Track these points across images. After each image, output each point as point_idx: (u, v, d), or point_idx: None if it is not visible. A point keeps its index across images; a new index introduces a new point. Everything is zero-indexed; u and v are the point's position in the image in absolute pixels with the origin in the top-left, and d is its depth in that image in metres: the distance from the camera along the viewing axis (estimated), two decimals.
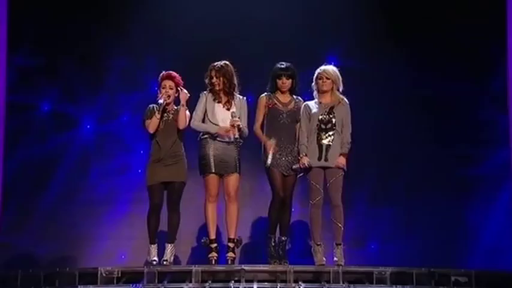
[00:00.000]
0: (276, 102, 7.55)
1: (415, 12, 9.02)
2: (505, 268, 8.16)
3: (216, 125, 7.43)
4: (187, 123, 7.47)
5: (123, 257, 8.68)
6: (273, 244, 7.43)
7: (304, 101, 7.58)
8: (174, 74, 7.52)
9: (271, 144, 7.37)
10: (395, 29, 8.99)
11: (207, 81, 7.56)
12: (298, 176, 7.48)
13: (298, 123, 7.51)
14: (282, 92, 7.57)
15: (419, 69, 8.93)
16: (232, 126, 7.37)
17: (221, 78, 7.49)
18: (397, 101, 8.87)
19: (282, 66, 7.55)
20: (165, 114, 7.48)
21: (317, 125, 7.39)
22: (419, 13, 9.01)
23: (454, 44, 8.94)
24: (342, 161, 7.36)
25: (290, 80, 7.54)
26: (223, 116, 7.47)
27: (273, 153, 7.36)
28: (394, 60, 8.92)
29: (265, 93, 7.60)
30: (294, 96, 7.61)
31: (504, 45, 8.53)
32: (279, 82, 7.53)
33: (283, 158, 7.45)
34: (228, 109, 7.49)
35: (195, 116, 7.51)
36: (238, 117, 7.44)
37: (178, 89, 7.47)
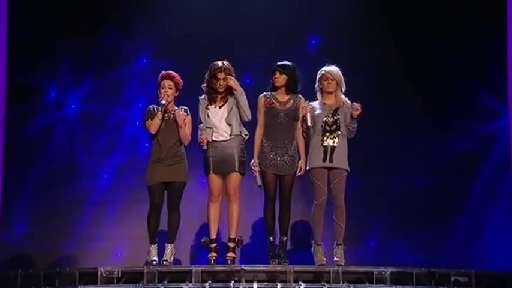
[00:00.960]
0: (274, 101, 7.53)
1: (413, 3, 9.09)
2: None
3: (209, 128, 7.42)
4: (189, 139, 7.48)
5: (118, 254, 8.68)
6: (271, 245, 7.43)
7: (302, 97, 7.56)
8: (173, 73, 7.51)
9: (256, 166, 7.41)
10: (389, 20, 9.06)
11: (207, 77, 7.50)
12: (297, 175, 7.47)
13: (297, 122, 7.50)
14: (277, 88, 7.55)
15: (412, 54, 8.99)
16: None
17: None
18: (389, 87, 8.90)
19: (279, 63, 7.54)
20: (166, 114, 7.47)
21: (321, 126, 7.38)
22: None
23: (450, 30, 8.99)
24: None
25: (284, 76, 7.50)
26: (215, 116, 7.45)
27: (259, 171, 7.40)
28: (386, 48, 8.99)
29: (264, 93, 7.60)
30: (295, 95, 7.57)
31: (504, 36, 8.56)
32: (273, 77, 7.52)
33: (279, 158, 7.43)
34: (221, 107, 7.48)
35: (199, 125, 7.50)
36: (230, 112, 7.43)
37: (174, 111, 7.44)
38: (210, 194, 7.44)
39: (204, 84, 7.54)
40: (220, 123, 7.45)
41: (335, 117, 7.40)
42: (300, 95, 7.57)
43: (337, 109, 7.42)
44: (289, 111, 7.50)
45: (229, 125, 7.45)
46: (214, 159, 7.41)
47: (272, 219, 7.45)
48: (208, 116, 7.46)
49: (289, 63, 7.54)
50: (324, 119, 7.39)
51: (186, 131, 7.46)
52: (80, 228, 8.84)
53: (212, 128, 7.43)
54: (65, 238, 8.79)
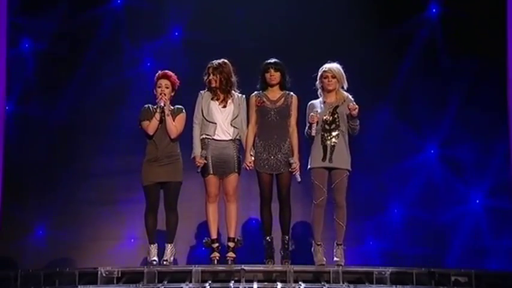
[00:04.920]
0: (265, 100, 7.50)
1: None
2: None
3: (212, 123, 7.42)
4: (178, 131, 7.46)
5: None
6: (268, 245, 7.42)
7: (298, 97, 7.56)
8: (169, 73, 7.53)
9: (250, 162, 7.40)
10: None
11: (205, 78, 7.55)
12: (292, 172, 7.40)
13: (289, 119, 7.47)
14: (271, 86, 7.53)
15: None
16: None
17: (218, 76, 7.48)
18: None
19: (271, 60, 7.53)
20: (162, 113, 7.46)
21: (321, 125, 7.37)
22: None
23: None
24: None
25: (278, 73, 7.49)
26: (219, 114, 7.47)
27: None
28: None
29: (255, 92, 7.57)
30: (286, 92, 7.55)
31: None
32: (267, 75, 7.49)
33: (272, 157, 7.41)
34: (225, 107, 7.49)
35: (194, 119, 7.52)
36: (236, 116, 7.46)
37: (170, 110, 7.43)
38: (208, 195, 7.44)
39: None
40: (224, 122, 7.46)
41: (334, 116, 7.39)
42: (292, 93, 7.54)
43: (336, 107, 7.40)
44: (280, 109, 7.47)
45: (235, 128, 7.46)
46: (214, 159, 7.41)
47: (268, 219, 7.45)
48: (212, 110, 7.46)
49: (279, 60, 7.53)
50: (324, 118, 7.38)
51: (173, 123, 7.40)
52: (80, 228, 8.84)
53: (216, 123, 7.44)
54: (65, 238, 8.78)
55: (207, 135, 7.44)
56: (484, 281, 7.02)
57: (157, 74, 7.54)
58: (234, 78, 7.55)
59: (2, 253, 8.72)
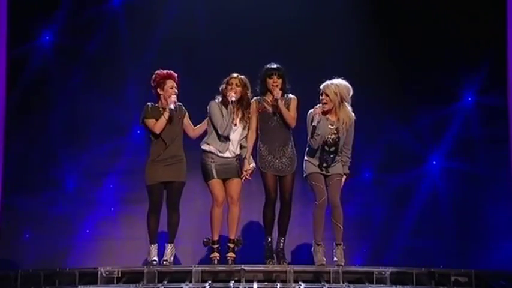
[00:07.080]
0: (266, 105, 7.49)
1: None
2: None
3: (228, 139, 7.41)
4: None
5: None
6: (269, 245, 7.43)
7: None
8: (174, 73, 7.49)
9: (250, 169, 7.39)
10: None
11: (223, 87, 7.45)
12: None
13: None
14: (267, 92, 7.49)
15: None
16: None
17: (242, 89, 7.42)
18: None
19: (273, 66, 7.50)
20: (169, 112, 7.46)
21: (322, 144, 7.32)
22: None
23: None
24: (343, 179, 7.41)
25: (281, 80, 7.48)
26: (232, 132, 7.41)
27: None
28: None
29: (255, 97, 7.55)
30: (286, 95, 7.52)
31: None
32: (270, 81, 7.46)
33: (277, 161, 7.42)
34: (236, 124, 7.44)
35: (219, 126, 7.36)
36: (246, 135, 7.46)
37: (172, 102, 7.41)
38: (215, 200, 7.39)
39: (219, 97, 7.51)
40: (235, 141, 7.43)
41: (336, 140, 7.34)
42: (290, 95, 7.53)
43: (337, 128, 7.35)
44: (281, 113, 7.45)
45: (243, 146, 7.46)
46: (217, 164, 7.37)
47: (271, 220, 7.46)
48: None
49: (278, 65, 7.51)
50: (325, 139, 7.33)
51: (195, 130, 7.49)
52: (80, 228, 8.85)
53: (230, 141, 7.41)
54: (65, 238, 8.79)
55: (216, 149, 7.39)
56: (484, 281, 7.03)
57: (160, 73, 7.46)
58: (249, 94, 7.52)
59: (2, 253, 8.72)
